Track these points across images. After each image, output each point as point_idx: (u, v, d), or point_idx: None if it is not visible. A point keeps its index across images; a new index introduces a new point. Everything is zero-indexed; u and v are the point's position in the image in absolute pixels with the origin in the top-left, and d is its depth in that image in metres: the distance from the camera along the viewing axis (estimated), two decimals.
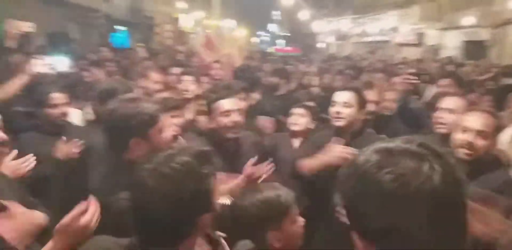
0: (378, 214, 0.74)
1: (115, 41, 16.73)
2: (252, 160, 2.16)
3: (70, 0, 12.08)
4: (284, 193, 1.66)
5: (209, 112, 2.55)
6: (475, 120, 2.09)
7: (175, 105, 2.75)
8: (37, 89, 2.86)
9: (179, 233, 1.12)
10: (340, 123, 2.58)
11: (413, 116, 3.45)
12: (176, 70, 4.35)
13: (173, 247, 1.12)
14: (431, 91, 5.19)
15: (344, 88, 2.72)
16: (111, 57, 6.84)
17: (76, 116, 3.32)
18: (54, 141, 2.66)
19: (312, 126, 3.25)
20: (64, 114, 2.77)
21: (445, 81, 3.59)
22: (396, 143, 0.81)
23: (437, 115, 2.61)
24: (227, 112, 2.44)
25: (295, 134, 3.18)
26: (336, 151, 2.33)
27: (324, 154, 2.39)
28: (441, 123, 2.57)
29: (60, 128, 2.78)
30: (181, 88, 3.65)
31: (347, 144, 2.57)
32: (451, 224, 0.74)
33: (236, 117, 2.45)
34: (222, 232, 1.74)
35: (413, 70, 3.56)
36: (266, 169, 2.16)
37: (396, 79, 4.49)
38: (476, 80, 7.23)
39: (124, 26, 19.18)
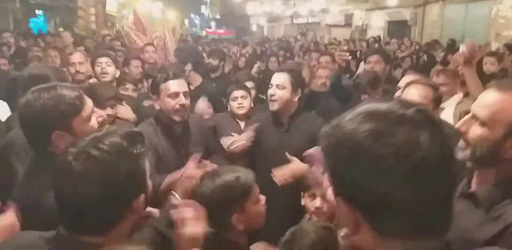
0: (371, 186, 0.69)
1: (34, 26, 15.57)
2: (195, 159, 2.01)
3: None
4: (243, 174, 1.64)
5: (153, 92, 2.43)
6: (414, 93, 2.16)
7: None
8: None
9: (113, 218, 1.05)
10: (274, 106, 2.63)
11: (345, 93, 3.58)
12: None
13: (107, 232, 1.06)
14: (361, 67, 5.43)
15: (279, 70, 2.74)
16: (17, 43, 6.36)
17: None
18: None
19: (252, 106, 3.26)
20: None
21: (373, 58, 3.74)
22: (389, 107, 0.74)
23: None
24: (175, 94, 2.34)
25: (239, 116, 3.14)
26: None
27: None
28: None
29: None
30: (98, 72, 3.41)
31: (286, 126, 2.65)
32: (443, 198, 0.72)
33: (184, 100, 2.36)
34: None
35: (345, 48, 3.70)
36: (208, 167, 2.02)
37: (327, 57, 4.64)
38: (399, 57, 7.69)
39: (44, 10, 17.86)
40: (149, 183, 1.16)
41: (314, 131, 2.59)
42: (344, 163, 0.73)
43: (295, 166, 2.32)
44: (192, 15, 54.36)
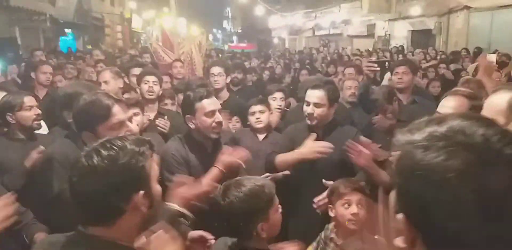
0: (445, 224, 0.65)
1: (62, 44, 16.14)
2: (228, 149, 2.22)
3: (12, 3, 11.49)
4: (265, 182, 1.70)
5: (188, 111, 2.42)
6: (447, 105, 2.16)
7: (134, 103, 2.81)
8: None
9: (114, 209, 1.16)
10: (312, 123, 2.68)
11: (372, 104, 3.60)
12: (137, 71, 4.24)
13: (112, 224, 1.17)
14: (386, 78, 5.42)
15: (314, 87, 2.75)
16: (51, 61, 6.56)
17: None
18: (24, 147, 2.60)
19: (274, 119, 3.32)
20: (38, 116, 2.70)
21: (401, 69, 3.70)
22: (485, 136, 0.65)
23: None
24: (211, 113, 2.36)
25: (258, 130, 3.19)
26: (312, 146, 2.41)
27: (300, 149, 2.47)
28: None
29: (31, 133, 2.71)
30: (144, 89, 3.52)
31: (321, 138, 2.67)
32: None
33: (220, 118, 2.39)
34: (208, 231, 1.76)
35: (373, 59, 3.71)
36: (242, 154, 2.20)
37: (351, 69, 4.67)
38: (423, 67, 7.60)
39: (72, 28, 18.52)
40: (156, 186, 1.26)
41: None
42: (419, 191, 0.67)
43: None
44: (215, 30, 55.25)
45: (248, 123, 3.25)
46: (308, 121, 2.71)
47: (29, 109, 2.66)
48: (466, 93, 2.21)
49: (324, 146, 2.40)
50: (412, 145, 0.69)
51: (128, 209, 1.17)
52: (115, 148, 1.17)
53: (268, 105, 3.27)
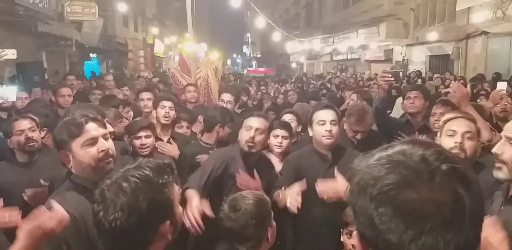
0: (386, 235, 0.70)
1: (87, 68, 16.70)
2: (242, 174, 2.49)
3: (40, 29, 12.03)
4: (261, 193, 1.90)
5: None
6: (460, 123, 2.21)
7: (146, 126, 3.00)
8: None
9: (142, 241, 1.18)
10: (331, 140, 2.70)
11: (387, 121, 3.65)
12: (146, 95, 4.38)
13: None
14: (398, 103, 5.42)
15: (326, 107, 2.82)
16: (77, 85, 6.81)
17: None
18: (25, 172, 2.68)
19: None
20: (30, 139, 2.73)
21: (413, 94, 3.73)
22: (423, 157, 0.72)
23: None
24: (248, 127, 2.72)
25: (275, 153, 3.21)
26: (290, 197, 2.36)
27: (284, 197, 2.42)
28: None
29: (31, 156, 2.78)
30: (161, 114, 3.57)
31: (330, 161, 2.73)
32: None
33: (253, 133, 2.68)
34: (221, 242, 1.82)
35: (388, 69, 3.70)
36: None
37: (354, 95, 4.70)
38: (442, 93, 7.56)
39: (97, 53, 19.18)
40: (179, 210, 1.27)
41: None
42: (364, 205, 0.73)
43: (340, 184, 2.32)
44: (234, 55, 56.19)
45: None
46: (326, 140, 2.71)
47: (20, 134, 2.71)
48: (469, 116, 2.26)
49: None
50: (361, 167, 0.77)
51: (155, 239, 1.19)
52: (138, 181, 1.17)
53: (290, 132, 3.30)
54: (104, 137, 1.76)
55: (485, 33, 12.21)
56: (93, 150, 1.69)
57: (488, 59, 12.48)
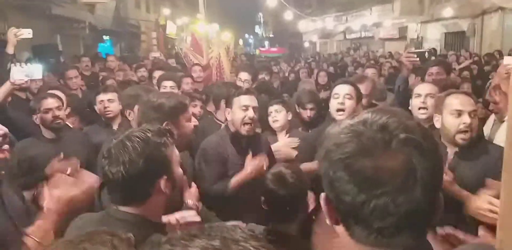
0: (344, 198, 0.77)
1: (101, 50, 16.84)
2: (250, 156, 2.48)
3: (54, 11, 12.15)
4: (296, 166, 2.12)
5: (228, 105, 2.68)
6: (465, 101, 2.17)
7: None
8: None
9: (141, 192, 1.34)
10: (342, 116, 2.66)
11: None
12: (157, 73, 4.46)
13: (138, 205, 1.34)
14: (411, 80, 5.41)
15: (344, 82, 2.83)
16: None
17: None
18: (51, 147, 2.81)
19: (289, 118, 3.35)
20: (57, 117, 2.86)
21: (435, 69, 3.66)
22: (381, 127, 0.78)
23: (420, 100, 2.69)
24: (245, 107, 2.57)
25: (278, 129, 3.28)
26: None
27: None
28: (423, 108, 2.68)
29: (57, 133, 2.91)
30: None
31: None
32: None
33: (252, 113, 2.56)
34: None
35: (412, 49, 3.62)
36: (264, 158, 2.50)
37: (372, 70, 4.72)
38: (456, 69, 7.53)
39: (110, 35, 19.28)
40: (177, 169, 1.43)
41: None
42: (326, 168, 0.80)
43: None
44: (247, 35, 55.64)
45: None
46: (337, 116, 2.70)
47: (47, 112, 2.84)
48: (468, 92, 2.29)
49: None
50: (329, 134, 0.83)
51: (154, 192, 1.35)
52: (139, 140, 1.33)
53: (285, 105, 3.32)
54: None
55: (501, 8, 11.93)
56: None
57: (504, 36, 12.24)
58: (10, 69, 2.99)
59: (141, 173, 1.30)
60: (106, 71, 6.37)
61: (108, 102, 3.32)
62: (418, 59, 3.42)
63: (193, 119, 2.25)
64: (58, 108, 2.89)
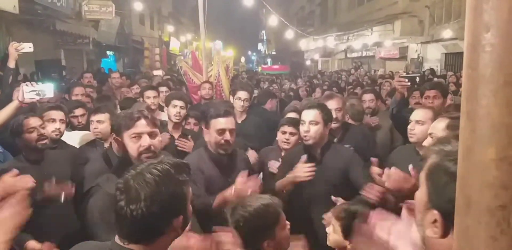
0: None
1: (104, 66, 17.02)
2: (244, 174, 2.32)
3: (58, 27, 12.33)
4: (271, 202, 1.80)
5: (207, 126, 2.65)
6: (439, 126, 2.26)
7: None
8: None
9: (156, 231, 1.26)
10: (309, 142, 2.75)
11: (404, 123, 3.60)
12: (151, 93, 4.48)
13: (151, 243, 1.26)
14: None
15: (310, 107, 2.83)
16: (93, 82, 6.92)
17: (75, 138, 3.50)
18: (34, 170, 2.58)
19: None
20: (42, 135, 2.70)
21: (432, 92, 3.67)
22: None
23: (409, 127, 2.78)
24: (221, 131, 2.57)
25: (285, 150, 3.27)
26: (301, 170, 2.52)
27: (292, 173, 2.57)
28: (412, 134, 2.76)
29: (39, 154, 2.75)
30: (172, 113, 3.63)
31: (318, 159, 2.76)
32: None
33: (228, 137, 2.57)
34: None
35: (404, 74, 3.67)
36: (255, 183, 2.30)
37: (370, 96, 4.69)
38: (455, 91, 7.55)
39: (114, 51, 19.52)
40: (190, 207, 1.36)
41: (346, 162, 2.71)
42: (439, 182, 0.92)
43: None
44: (249, 52, 56.21)
45: (276, 138, 3.34)
46: (305, 142, 2.76)
47: (32, 131, 2.67)
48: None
49: (311, 166, 2.50)
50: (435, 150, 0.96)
51: (167, 231, 1.27)
52: (160, 174, 1.25)
53: (298, 128, 3.31)
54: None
55: None
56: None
57: None
58: (16, 88, 2.99)
59: (162, 211, 1.23)
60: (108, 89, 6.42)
61: (97, 123, 3.28)
62: (409, 83, 3.50)
63: None
64: (41, 126, 2.73)
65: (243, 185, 2.28)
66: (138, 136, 2.01)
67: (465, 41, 0.67)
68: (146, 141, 2.00)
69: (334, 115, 3.14)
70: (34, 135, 2.67)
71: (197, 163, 2.59)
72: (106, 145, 3.24)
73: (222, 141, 2.57)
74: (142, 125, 2.03)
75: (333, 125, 3.22)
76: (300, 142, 3.05)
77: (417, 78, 3.65)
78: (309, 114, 2.77)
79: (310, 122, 2.75)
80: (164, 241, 1.29)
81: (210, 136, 2.61)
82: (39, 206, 2.29)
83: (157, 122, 2.14)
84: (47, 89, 3.01)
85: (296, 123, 3.28)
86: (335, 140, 3.33)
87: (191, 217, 1.37)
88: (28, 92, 2.94)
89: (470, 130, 0.64)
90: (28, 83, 3.04)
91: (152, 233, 1.26)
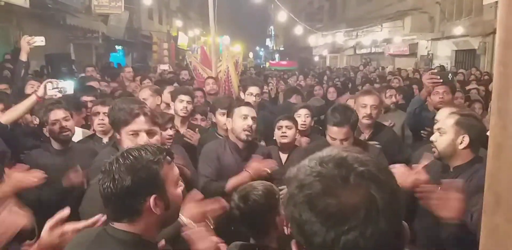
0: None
1: (113, 60, 17.10)
2: (258, 156, 2.61)
3: (68, 21, 12.40)
4: (270, 183, 1.99)
5: (229, 115, 2.91)
6: (448, 122, 2.21)
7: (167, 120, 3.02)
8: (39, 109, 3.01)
9: (130, 210, 1.34)
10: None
11: (421, 124, 3.52)
12: (171, 88, 4.47)
13: (130, 223, 1.35)
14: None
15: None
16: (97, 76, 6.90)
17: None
18: (59, 159, 2.81)
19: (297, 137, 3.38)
20: (64, 128, 2.83)
21: (442, 88, 3.60)
22: (338, 165, 0.82)
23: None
24: (244, 116, 2.81)
25: (283, 147, 3.28)
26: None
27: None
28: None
29: (65, 144, 2.90)
30: (179, 108, 3.65)
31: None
32: None
33: (251, 122, 2.80)
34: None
35: (435, 70, 3.56)
36: (271, 162, 2.62)
37: (392, 91, 4.65)
38: (467, 89, 7.47)
39: (122, 45, 19.58)
40: (173, 189, 1.41)
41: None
42: (292, 212, 0.83)
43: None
44: (257, 48, 56.15)
45: (274, 138, 3.36)
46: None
47: (55, 123, 2.82)
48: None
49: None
50: (290, 176, 0.88)
51: (144, 210, 1.34)
52: (131, 157, 1.35)
53: (295, 123, 3.33)
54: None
55: None
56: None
57: None
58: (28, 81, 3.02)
59: (129, 189, 1.31)
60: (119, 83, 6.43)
61: (103, 115, 3.20)
62: (441, 81, 3.28)
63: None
64: (65, 119, 2.86)
65: (259, 164, 2.56)
66: (136, 133, 1.96)
67: (497, 38, 0.67)
68: (142, 140, 1.93)
69: (368, 112, 3.28)
70: (56, 127, 2.83)
71: (216, 150, 2.83)
72: (105, 140, 3.29)
73: (246, 126, 2.78)
74: (140, 122, 1.97)
75: (365, 121, 3.29)
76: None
77: (450, 75, 3.46)
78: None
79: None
80: (145, 221, 1.35)
81: (234, 122, 2.82)
82: (65, 191, 2.51)
83: (157, 120, 2.08)
84: (69, 86, 3.07)
85: (291, 117, 3.44)
86: (366, 137, 3.33)
87: (175, 199, 1.41)
88: (51, 89, 2.98)
89: (501, 126, 0.63)
90: (52, 80, 3.08)
91: (128, 211, 1.35)
